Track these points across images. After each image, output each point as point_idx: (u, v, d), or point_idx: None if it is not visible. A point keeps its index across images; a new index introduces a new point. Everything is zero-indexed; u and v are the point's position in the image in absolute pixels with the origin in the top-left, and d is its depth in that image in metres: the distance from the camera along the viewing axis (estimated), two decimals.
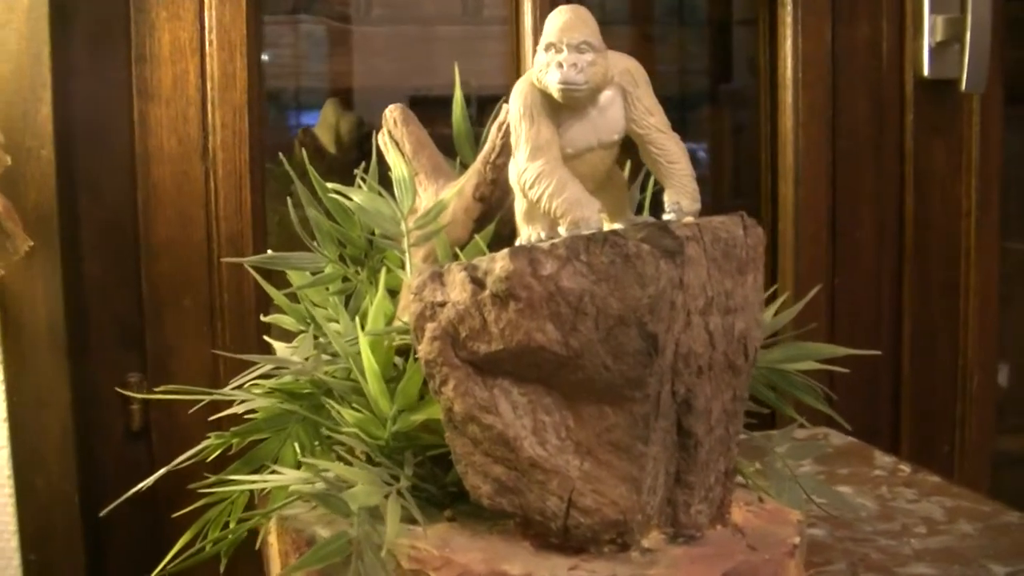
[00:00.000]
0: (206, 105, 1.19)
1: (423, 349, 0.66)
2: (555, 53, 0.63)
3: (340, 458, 0.75)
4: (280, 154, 0.88)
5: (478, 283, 0.63)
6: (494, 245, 0.78)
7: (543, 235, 0.66)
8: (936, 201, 1.42)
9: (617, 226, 0.72)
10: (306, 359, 0.76)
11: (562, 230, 0.63)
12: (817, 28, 1.37)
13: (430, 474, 0.74)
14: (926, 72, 1.39)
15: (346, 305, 0.82)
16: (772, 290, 0.87)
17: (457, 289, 0.64)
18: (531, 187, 0.64)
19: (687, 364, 0.64)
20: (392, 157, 0.81)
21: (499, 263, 0.62)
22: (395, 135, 0.83)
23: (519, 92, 0.65)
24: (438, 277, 0.65)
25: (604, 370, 0.62)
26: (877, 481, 1.06)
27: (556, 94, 0.63)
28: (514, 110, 0.65)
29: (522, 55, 1.29)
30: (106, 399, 1.22)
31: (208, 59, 1.19)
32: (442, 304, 0.65)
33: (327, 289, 0.82)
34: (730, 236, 0.65)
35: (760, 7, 1.42)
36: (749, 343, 0.68)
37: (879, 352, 0.92)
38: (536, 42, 1.29)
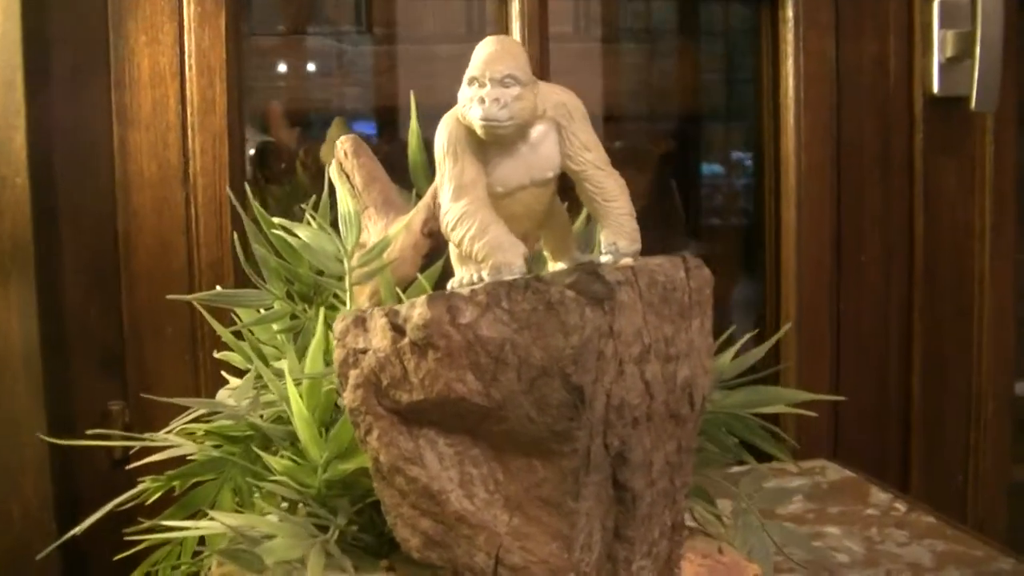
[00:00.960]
0: (186, 130, 1.18)
1: (347, 397, 0.63)
2: (478, 87, 0.59)
3: (284, 503, 0.72)
4: (247, 185, 0.85)
5: (398, 330, 0.60)
6: (442, 283, 0.75)
7: (475, 278, 0.62)
8: (946, 223, 1.36)
9: (561, 266, 0.69)
10: (243, 401, 0.73)
11: (485, 275, 0.60)
12: (820, 44, 1.32)
13: (369, 522, 0.71)
14: (935, 89, 1.34)
15: (296, 342, 0.80)
16: (755, 332, 0.83)
17: (378, 336, 0.61)
18: (453, 229, 0.60)
19: (620, 416, 0.60)
20: (340, 190, 0.78)
21: (417, 310, 0.59)
22: (345, 167, 0.81)
23: (443, 128, 0.62)
24: (361, 322, 0.62)
25: (529, 422, 0.59)
26: (868, 521, 1.01)
27: (479, 131, 0.60)
28: (438, 147, 0.62)
29: None
30: (89, 427, 1.21)
31: (188, 84, 1.17)
32: (364, 351, 0.62)
33: (274, 327, 0.80)
34: (668, 279, 0.62)
35: (762, 23, 1.37)
36: (695, 391, 0.65)
37: (843, 398, 0.87)
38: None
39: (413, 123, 0.83)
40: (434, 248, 0.77)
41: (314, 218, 0.78)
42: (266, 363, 0.79)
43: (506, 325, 0.58)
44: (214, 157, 1.18)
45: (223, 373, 0.85)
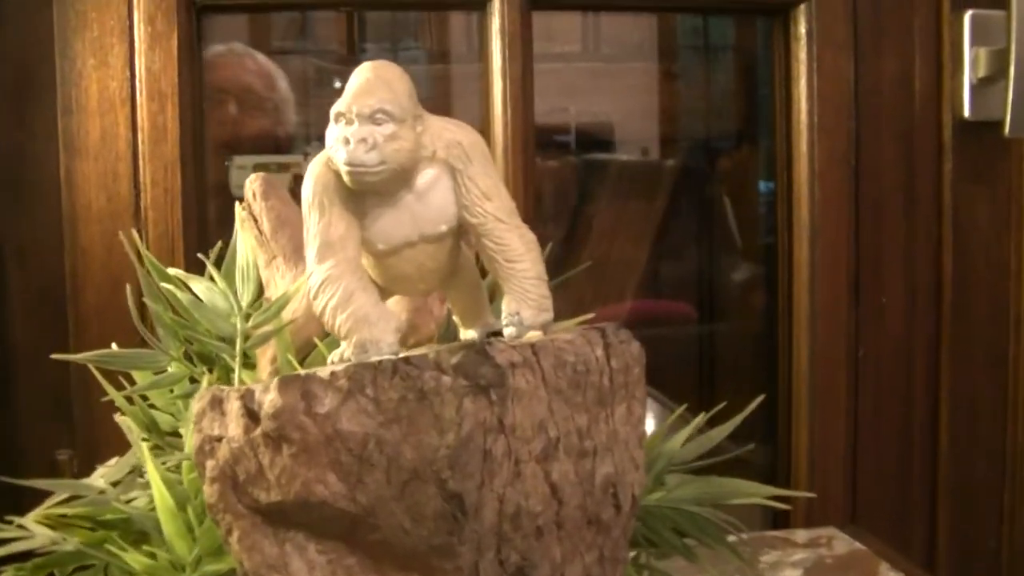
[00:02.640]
0: (137, 160, 1.09)
1: (205, 491, 0.53)
2: (344, 125, 0.49)
3: None
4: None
5: (252, 417, 0.50)
6: None
7: (346, 355, 0.52)
8: (979, 261, 1.23)
9: (471, 334, 0.58)
10: (115, 483, 0.63)
11: (348, 353, 0.50)
12: (836, 64, 1.20)
13: None
14: (966, 113, 1.21)
15: None
16: (719, 407, 0.71)
17: (233, 422, 0.51)
18: (315, 296, 0.50)
19: (518, 526, 0.50)
20: (241, 237, 0.68)
21: (269, 395, 0.49)
22: (254, 210, 0.71)
23: (310, 174, 0.52)
24: (218, 404, 0.52)
25: (404, 533, 0.48)
26: None
27: (346, 178, 0.49)
28: (304, 197, 0.51)
29: (492, 98, 1.15)
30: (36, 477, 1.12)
31: (139, 110, 1.08)
32: (219, 439, 0.52)
33: (171, 392, 0.70)
34: (580, 359, 0.51)
35: (773, 40, 1.26)
36: (621, 490, 0.54)
37: (812, 495, 0.75)
38: (505, 82, 1.17)
39: None
40: None
41: (212, 268, 0.68)
42: (160, 434, 0.69)
43: (371, 417, 0.47)
44: (165, 189, 1.09)
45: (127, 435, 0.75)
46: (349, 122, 0.49)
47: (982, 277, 1.23)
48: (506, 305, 0.52)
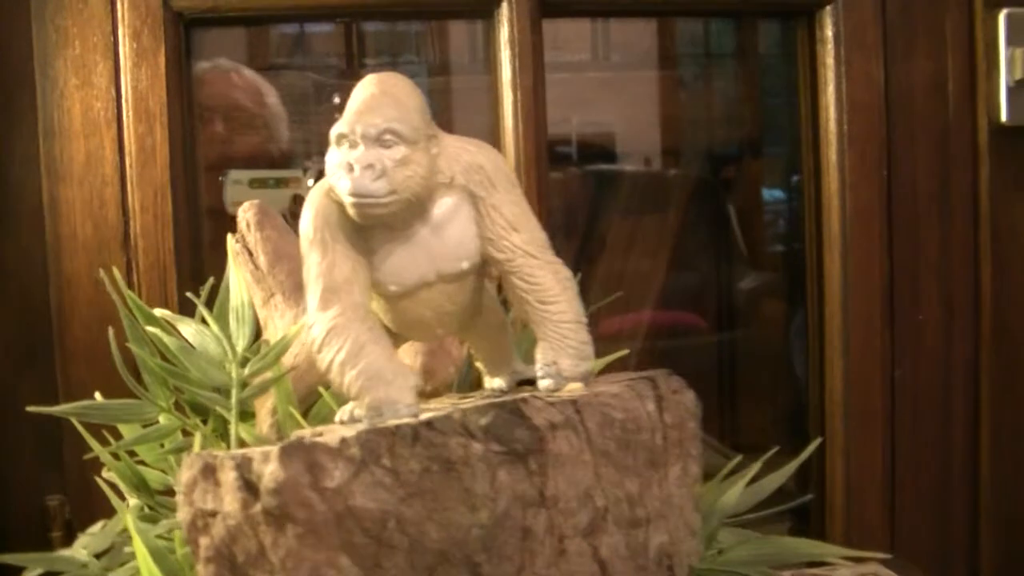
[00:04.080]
0: (125, 185, 1.02)
1: (199, 571, 0.46)
2: (348, 149, 0.42)
3: None
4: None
5: (251, 489, 0.43)
6: None
7: (356, 414, 0.45)
8: (1018, 273, 1.16)
9: (498, 383, 0.51)
10: (98, 555, 0.56)
11: (360, 415, 0.43)
12: (866, 67, 1.13)
13: None
14: (1004, 117, 1.14)
15: None
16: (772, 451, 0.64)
17: (228, 495, 0.44)
18: (319, 350, 0.43)
19: None
20: (235, 273, 0.61)
21: (269, 466, 0.42)
22: (248, 242, 0.64)
23: (309, 207, 0.44)
24: (210, 472, 0.45)
25: None
26: None
27: (350, 211, 0.42)
28: (303, 234, 0.44)
29: (502, 111, 1.08)
30: (26, 525, 1.06)
31: (126, 132, 1.01)
32: (213, 514, 0.45)
33: (162, 446, 0.63)
34: (629, 416, 0.44)
35: (798, 43, 1.19)
36: (677, 562, 0.46)
37: (887, 556, 0.68)
38: (516, 93, 1.10)
39: None
40: None
41: (204, 309, 0.61)
42: (150, 493, 0.62)
43: (389, 492, 0.40)
44: (155, 216, 1.02)
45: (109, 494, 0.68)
46: (353, 145, 0.42)
47: (1022, 291, 1.16)
48: (541, 354, 0.45)
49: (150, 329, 0.61)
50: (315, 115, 1.42)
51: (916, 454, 1.16)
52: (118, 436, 0.67)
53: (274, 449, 0.42)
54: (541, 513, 0.41)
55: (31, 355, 1.05)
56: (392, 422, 0.41)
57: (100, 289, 1.03)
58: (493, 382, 0.50)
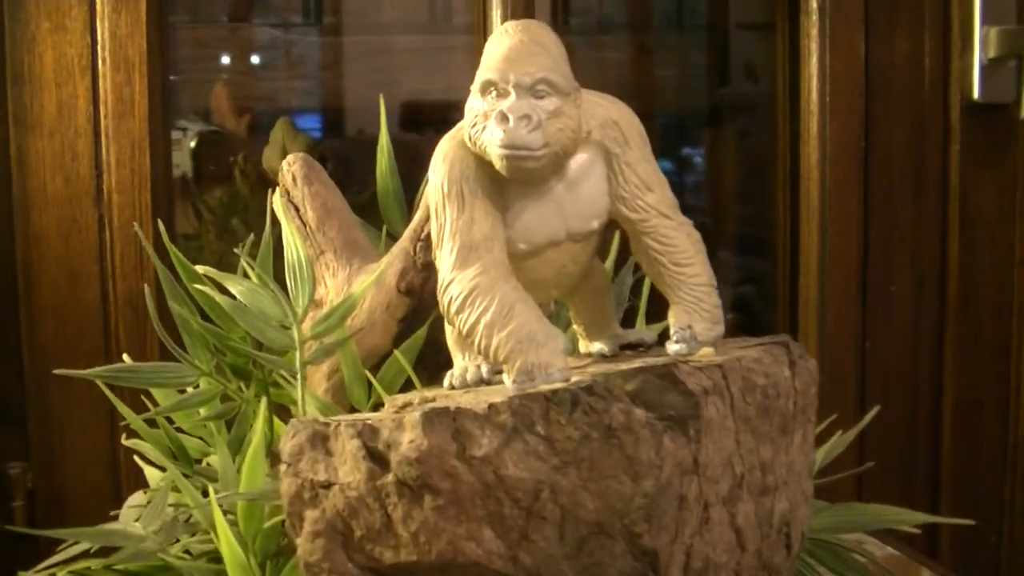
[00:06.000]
0: (99, 137, 0.97)
1: (302, 547, 0.44)
2: (496, 98, 0.40)
3: None
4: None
5: (378, 459, 0.41)
6: (428, 358, 0.55)
7: (483, 372, 0.43)
8: (985, 248, 1.19)
9: (598, 347, 0.49)
10: (151, 527, 0.53)
11: (508, 379, 0.41)
12: (848, 42, 1.14)
13: None
14: (976, 95, 1.16)
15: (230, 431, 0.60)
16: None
17: (348, 464, 0.42)
18: (459, 311, 0.41)
19: None
20: (287, 228, 0.58)
21: (408, 434, 0.39)
22: (294, 197, 0.61)
23: (441, 159, 0.42)
24: (321, 440, 0.43)
25: None
26: None
27: (498, 164, 0.40)
28: (434, 188, 0.42)
29: None
30: None
31: (101, 80, 0.96)
32: (327, 484, 0.42)
33: (199, 412, 0.60)
34: (771, 381, 0.43)
35: (778, 16, 1.19)
36: (793, 529, 0.46)
37: (971, 522, 0.69)
38: None
39: (383, 137, 0.63)
40: (413, 309, 0.57)
41: (251, 268, 0.58)
42: (188, 462, 0.59)
43: (543, 460, 0.38)
44: (132, 170, 0.97)
45: (139, 462, 0.64)
46: (502, 94, 0.40)
47: (987, 265, 1.20)
48: (675, 317, 0.44)
49: (198, 287, 0.57)
50: (283, 70, 1.38)
51: (884, 419, 1.18)
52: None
53: (411, 416, 0.39)
54: (693, 481, 0.39)
55: None
56: (544, 387, 0.39)
57: (70, 245, 0.98)
58: (593, 346, 0.49)
